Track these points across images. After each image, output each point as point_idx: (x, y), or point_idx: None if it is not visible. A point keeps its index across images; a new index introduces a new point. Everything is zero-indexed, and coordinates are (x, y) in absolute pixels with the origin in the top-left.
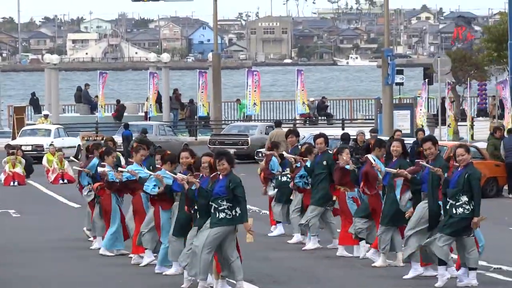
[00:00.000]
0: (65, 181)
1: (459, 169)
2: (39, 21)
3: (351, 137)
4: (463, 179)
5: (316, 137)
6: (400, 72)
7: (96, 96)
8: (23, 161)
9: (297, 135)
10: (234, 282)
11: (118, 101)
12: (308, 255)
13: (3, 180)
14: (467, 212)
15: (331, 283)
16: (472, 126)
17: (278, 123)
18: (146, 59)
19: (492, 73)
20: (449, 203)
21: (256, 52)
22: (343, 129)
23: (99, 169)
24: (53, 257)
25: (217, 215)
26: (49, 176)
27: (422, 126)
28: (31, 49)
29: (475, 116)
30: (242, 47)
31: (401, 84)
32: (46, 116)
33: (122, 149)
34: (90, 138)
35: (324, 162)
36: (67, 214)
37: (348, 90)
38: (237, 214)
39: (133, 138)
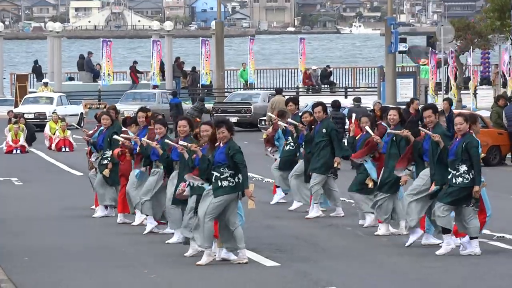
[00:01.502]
0: (67, 149)
1: (457, 139)
2: None
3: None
4: (461, 149)
5: (314, 105)
6: (403, 40)
7: (98, 64)
8: (26, 129)
9: (297, 102)
10: (237, 250)
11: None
12: (312, 224)
13: (5, 148)
14: (467, 182)
15: (335, 251)
16: (475, 95)
17: (278, 91)
18: (149, 27)
19: (495, 41)
20: (450, 173)
21: (259, 20)
22: (345, 98)
23: (116, 137)
24: (56, 225)
25: (220, 183)
26: (51, 144)
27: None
28: (33, 17)
29: (478, 84)
30: (245, 15)
31: (404, 52)
32: (46, 84)
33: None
34: (93, 106)
35: (324, 130)
36: (70, 182)
37: (351, 58)
38: (240, 181)
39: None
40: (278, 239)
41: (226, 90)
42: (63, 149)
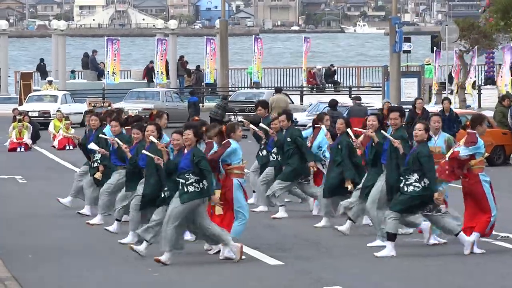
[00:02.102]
0: (71, 147)
1: (414, 146)
2: None
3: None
4: (412, 157)
5: (279, 113)
6: (407, 40)
7: (102, 63)
8: (30, 127)
9: (266, 106)
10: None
11: (197, 67)
12: (313, 223)
13: (8, 146)
14: (418, 190)
15: (338, 250)
16: (479, 94)
17: (278, 89)
18: (153, 25)
19: (500, 41)
20: (402, 181)
21: (264, 19)
22: (350, 97)
23: (92, 145)
24: (60, 223)
25: (185, 189)
26: (54, 141)
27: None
28: (38, 15)
29: (483, 84)
30: (249, 14)
31: (409, 52)
32: (50, 82)
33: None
34: (97, 104)
35: (288, 139)
36: (74, 180)
37: (356, 57)
38: (205, 187)
39: (216, 105)
40: (280, 238)
41: (230, 88)
42: (67, 147)
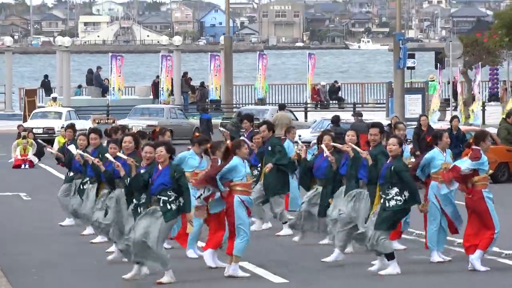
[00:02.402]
0: (27, 166)
1: (388, 161)
2: (51, 3)
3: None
4: (390, 172)
5: (259, 124)
6: (411, 56)
7: (107, 79)
8: (35, 144)
9: (251, 120)
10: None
11: (202, 84)
12: (315, 241)
13: (13, 163)
14: (400, 203)
15: (345, 268)
16: (483, 111)
17: (281, 106)
18: (158, 42)
19: (504, 58)
20: (382, 198)
21: (268, 35)
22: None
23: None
24: (65, 240)
25: (169, 207)
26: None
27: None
28: (42, 31)
29: (487, 100)
30: (254, 30)
31: (413, 68)
32: (54, 99)
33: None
34: (101, 121)
35: (269, 148)
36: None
37: (360, 74)
38: (181, 204)
39: (230, 121)
40: (285, 256)
41: (234, 105)
42: (23, 166)
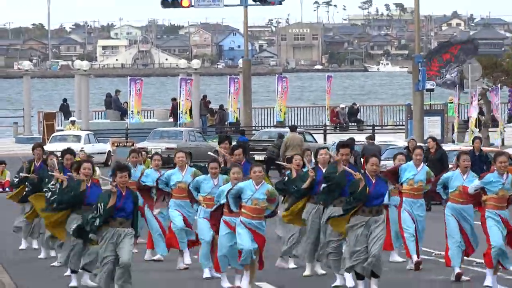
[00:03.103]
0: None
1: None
2: (69, 28)
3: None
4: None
5: (233, 148)
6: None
7: (126, 102)
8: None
9: (231, 142)
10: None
11: (221, 106)
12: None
13: None
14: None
15: None
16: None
17: (293, 128)
18: (177, 65)
19: None
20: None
21: (287, 58)
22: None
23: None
24: None
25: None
26: None
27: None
28: (61, 55)
29: (506, 122)
30: (272, 53)
31: (432, 90)
32: (73, 122)
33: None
34: (120, 144)
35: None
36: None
37: (379, 96)
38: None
39: (272, 144)
40: (306, 277)
41: (253, 127)
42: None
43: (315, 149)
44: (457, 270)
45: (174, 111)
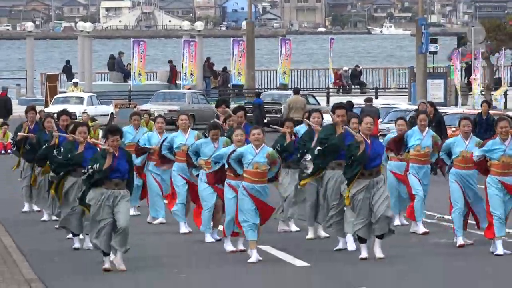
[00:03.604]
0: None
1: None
2: None
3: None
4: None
5: (235, 110)
6: (434, 41)
7: (129, 64)
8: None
9: (228, 105)
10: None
11: (224, 69)
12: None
13: None
14: None
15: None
16: (505, 95)
17: (296, 90)
18: (180, 27)
19: None
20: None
21: (290, 20)
22: (376, 98)
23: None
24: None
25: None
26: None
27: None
28: (64, 17)
29: (509, 85)
30: (276, 15)
31: (435, 53)
32: (76, 84)
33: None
34: (123, 106)
35: None
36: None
37: (382, 58)
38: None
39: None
40: (309, 240)
41: (256, 90)
42: (2, 152)
43: (308, 112)
44: (460, 241)
45: (170, 74)
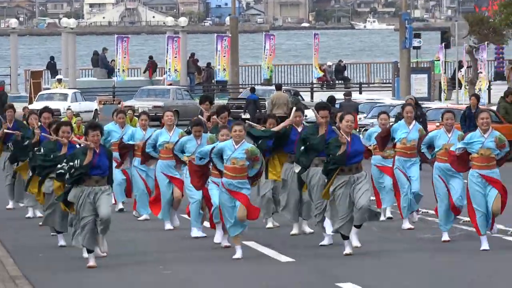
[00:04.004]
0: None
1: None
2: None
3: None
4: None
5: (219, 111)
6: (417, 35)
7: (113, 60)
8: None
9: (212, 101)
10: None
11: (208, 64)
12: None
13: None
14: None
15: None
16: (489, 90)
17: (278, 87)
18: (164, 23)
19: (509, 36)
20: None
21: (274, 15)
22: (360, 93)
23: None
24: None
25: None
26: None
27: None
28: (48, 13)
29: (492, 79)
30: (259, 11)
31: (419, 48)
32: (59, 81)
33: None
34: (107, 102)
35: None
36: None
37: (366, 53)
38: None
39: (290, 99)
40: (293, 236)
41: (240, 86)
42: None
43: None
44: (446, 237)
45: (147, 68)
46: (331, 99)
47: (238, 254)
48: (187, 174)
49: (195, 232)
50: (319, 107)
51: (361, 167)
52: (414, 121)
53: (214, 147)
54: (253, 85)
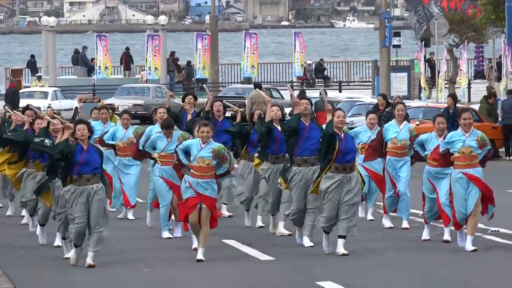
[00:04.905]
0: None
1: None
2: None
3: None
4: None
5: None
6: (397, 34)
7: (93, 59)
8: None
9: (196, 98)
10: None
11: (188, 63)
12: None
13: None
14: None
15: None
16: (469, 89)
17: (257, 85)
18: (144, 21)
19: (489, 35)
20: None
21: (254, 14)
22: (340, 92)
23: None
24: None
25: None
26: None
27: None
28: (28, 11)
29: (472, 78)
30: (239, 9)
31: (398, 46)
32: (39, 78)
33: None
34: (87, 100)
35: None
36: None
37: (345, 52)
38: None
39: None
40: (273, 234)
41: (220, 84)
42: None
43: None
44: (426, 236)
45: (126, 60)
46: (302, 93)
47: (199, 255)
48: (155, 172)
49: (166, 234)
50: (300, 98)
51: (354, 168)
52: (405, 121)
53: (182, 142)
54: (191, 84)
